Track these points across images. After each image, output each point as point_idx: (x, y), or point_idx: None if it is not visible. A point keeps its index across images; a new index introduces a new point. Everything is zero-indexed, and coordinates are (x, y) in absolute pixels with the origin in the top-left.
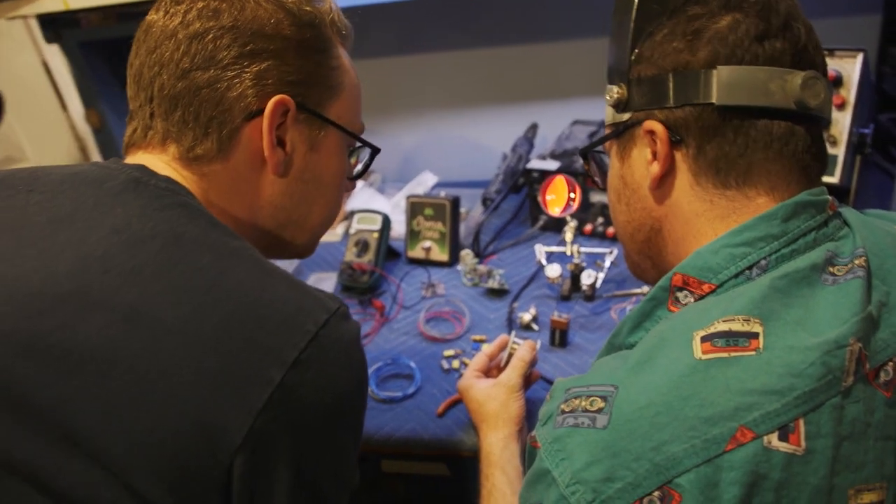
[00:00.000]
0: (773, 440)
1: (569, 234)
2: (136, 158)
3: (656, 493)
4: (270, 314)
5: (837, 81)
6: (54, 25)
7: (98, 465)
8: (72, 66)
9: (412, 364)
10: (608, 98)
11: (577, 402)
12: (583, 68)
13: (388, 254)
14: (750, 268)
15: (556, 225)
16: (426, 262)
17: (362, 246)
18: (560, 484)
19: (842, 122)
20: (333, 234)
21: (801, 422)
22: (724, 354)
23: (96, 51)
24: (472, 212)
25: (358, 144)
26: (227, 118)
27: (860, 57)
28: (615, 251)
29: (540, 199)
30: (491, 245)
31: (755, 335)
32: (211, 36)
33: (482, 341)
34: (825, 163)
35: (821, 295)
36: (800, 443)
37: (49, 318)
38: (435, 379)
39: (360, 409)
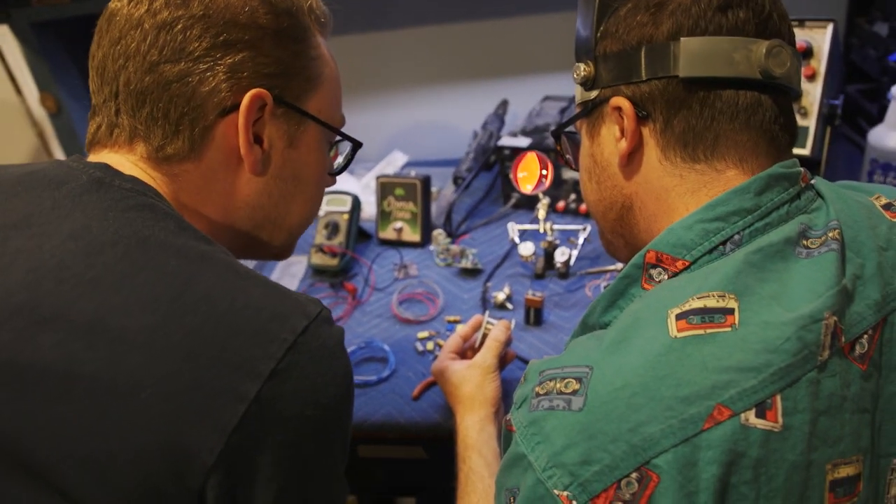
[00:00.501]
0: (751, 417)
1: (542, 212)
2: (100, 157)
3: (634, 475)
4: (244, 323)
5: (808, 52)
6: (2, 5)
7: (58, 496)
8: (23, 48)
9: (386, 347)
10: (575, 76)
11: (551, 384)
12: (553, 43)
13: (359, 235)
14: (724, 243)
15: (529, 202)
16: (398, 243)
17: (332, 228)
18: (536, 468)
19: (812, 94)
20: None
21: (778, 398)
22: (700, 332)
23: (50, 31)
24: (444, 191)
25: (338, 138)
26: (200, 115)
27: (830, 27)
28: (588, 228)
29: (512, 176)
30: (463, 224)
31: (731, 311)
32: (181, 26)
33: (456, 322)
34: (795, 134)
35: (795, 268)
36: (777, 419)
37: None
38: (409, 361)
39: (345, 421)
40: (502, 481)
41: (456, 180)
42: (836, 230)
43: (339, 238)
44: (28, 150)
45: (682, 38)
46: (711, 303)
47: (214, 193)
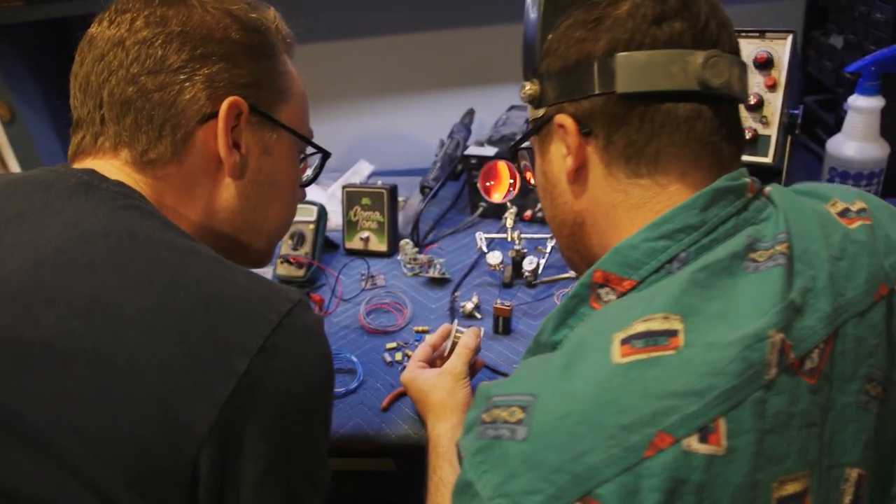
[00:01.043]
0: (693, 443)
1: (509, 221)
2: (85, 165)
3: None
4: (232, 305)
5: (769, 63)
6: None
7: (61, 466)
8: None
9: (353, 358)
10: (522, 95)
11: (497, 411)
12: (519, 53)
13: (326, 245)
14: (670, 261)
15: (496, 211)
16: (365, 253)
17: (298, 238)
18: (483, 497)
19: (773, 104)
20: None
21: (722, 421)
22: (644, 356)
23: (3, 36)
24: (411, 200)
25: (309, 151)
26: (181, 121)
27: (790, 39)
28: None
29: (480, 185)
30: (430, 234)
31: (674, 333)
32: (160, 41)
33: (425, 332)
34: (740, 144)
35: (742, 284)
36: (720, 442)
37: (0, 314)
38: (377, 373)
39: (328, 401)
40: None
41: (423, 189)
42: (785, 243)
43: (306, 248)
44: None
45: (617, 54)
46: (655, 325)
47: (196, 197)
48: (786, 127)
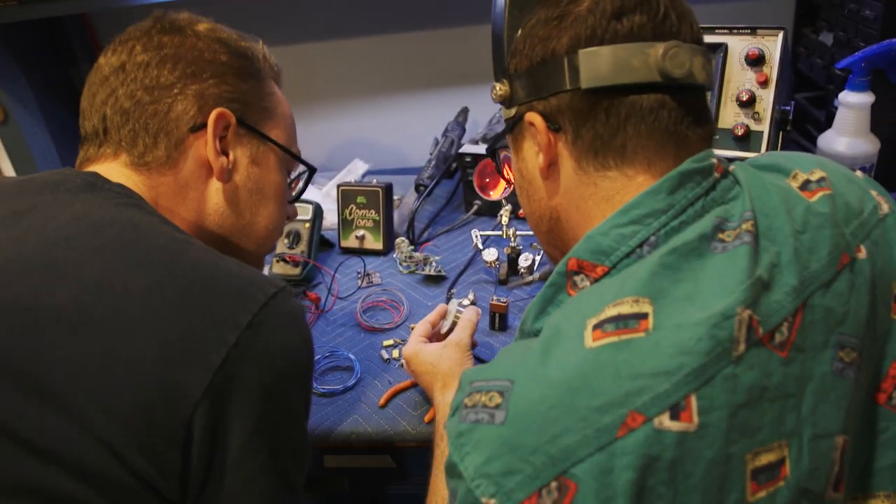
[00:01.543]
0: (665, 421)
1: (504, 218)
2: (89, 169)
3: (553, 484)
4: (225, 286)
5: (760, 59)
6: None
7: (72, 420)
8: None
9: (351, 356)
10: (493, 96)
11: (477, 396)
12: None
13: (321, 244)
14: (640, 245)
15: (491, 209)
16: (361, 252)
17: (294, 237)
18: (466, 478)
19: (765, 100)
20: None
21: (693, 398)
22: (614, 339)
23: None
24: (406, 198)
25: (298, 171)
26: (174, 129)
27: (781, 35)
28: None
29: (476, 182)
30: (426, 232)
31: (644, 315)
32: (156, 62)
33: None
34: (709, 128)
35: (710, 265)
36: (692, 419)
37: (19, 285)
38: (375, 370)
39: (308, 377)
40: (447, 481)
41: (418, 188)
42: (750, 221)
43: (301, 247)
44: None
45: (580, 50)
46: (626, 309)
47: (189, 199)
48: (777, 123)
